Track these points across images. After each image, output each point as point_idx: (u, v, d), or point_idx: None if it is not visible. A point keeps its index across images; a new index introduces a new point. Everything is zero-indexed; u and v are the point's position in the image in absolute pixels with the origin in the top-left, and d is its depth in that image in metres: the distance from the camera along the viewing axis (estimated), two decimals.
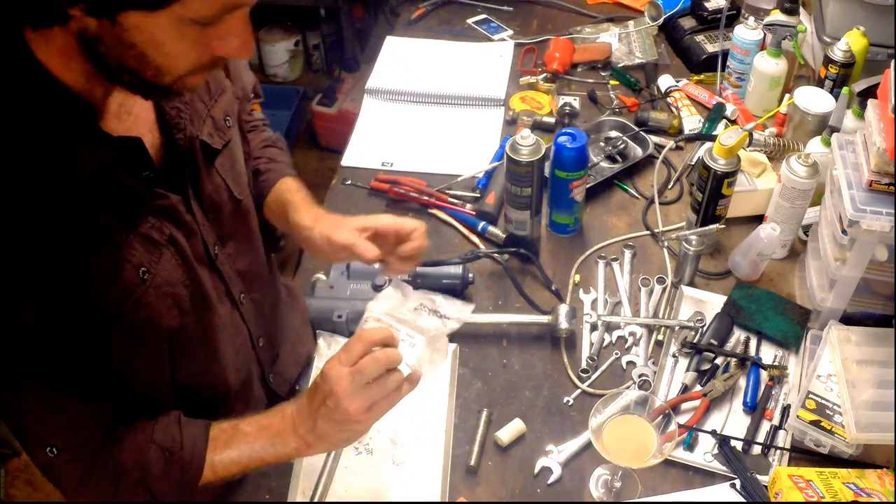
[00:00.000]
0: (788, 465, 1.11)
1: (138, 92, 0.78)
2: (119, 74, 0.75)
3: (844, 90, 1.38)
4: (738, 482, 1.09)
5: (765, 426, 1.16)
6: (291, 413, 0.93)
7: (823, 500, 1.02)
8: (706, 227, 1.34)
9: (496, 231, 1.45)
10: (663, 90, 1.75)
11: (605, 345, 1.29)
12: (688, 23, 1.87)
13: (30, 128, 0.75)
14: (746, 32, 1.63)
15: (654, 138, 1.61)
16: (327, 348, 1.27)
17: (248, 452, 0.93)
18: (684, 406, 1.18)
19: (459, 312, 1.15)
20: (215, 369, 1.02)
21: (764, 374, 1.21)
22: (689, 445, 1.14)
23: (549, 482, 1.12)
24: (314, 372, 1.24)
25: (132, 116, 0.85)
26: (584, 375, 1.24)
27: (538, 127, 1.67)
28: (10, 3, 0.71)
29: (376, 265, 1.17)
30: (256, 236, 1.11)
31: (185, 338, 0.94)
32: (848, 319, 1.23)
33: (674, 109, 1.70)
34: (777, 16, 1.58)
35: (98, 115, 0.81)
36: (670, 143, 1.61)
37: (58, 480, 0.91)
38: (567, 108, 1.69)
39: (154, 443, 0.92)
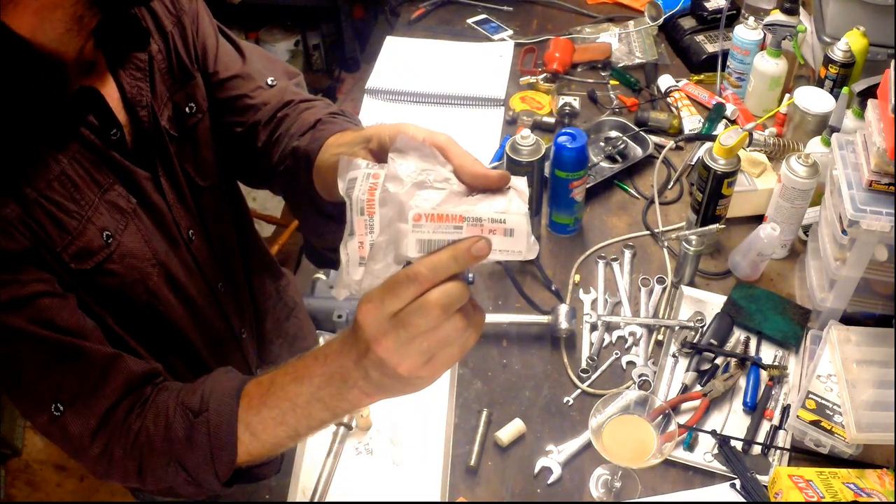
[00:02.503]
0: (788, 465, 1.11)
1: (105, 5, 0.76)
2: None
3: (844, 90, 1.38)
4: (738, 482, 1.09)
5: (765, 426, 1.16)
6: (336, 358, 0.71)
7: (823, 500, 1.02)
8: (706, 227, 1.34)
9: None
10: (663, 90, 1.75)
11: (605, 345, 1.29)
12: (688, 23, 1.87)
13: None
14: (746, 32, 1.63)
15: (654, 138, 1.61)
16: None
17: (292, 409, 0.75)
18: (684, 406, 1.18)
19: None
20: (193, 355, 1.02)
21: (764, 374, 1.21)
22: (689, 445, 1.14)
23: (549, 482, 1.12)
24: None
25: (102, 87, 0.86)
26: (584, 375, 1.24)
27: (538, 127, 1.67)
28: None
29: None
30: (230, 227, 1.10)
31: (157, 318, 0.94)
32: (848, 319, 1.22)
33: (674, 109, 1.70)
34: (777, 16, 1.58)
35: (68, 75, 0.81)
36: (670, 143, 1.61)
37: (67, 442, 0.82)
38: (567, 108, 1.69)
39: (179, 404, 0.81)
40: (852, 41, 1.46)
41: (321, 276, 1.36)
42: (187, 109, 0.99)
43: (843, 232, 1.12)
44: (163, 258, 0.94)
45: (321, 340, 1.28)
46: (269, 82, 1.07)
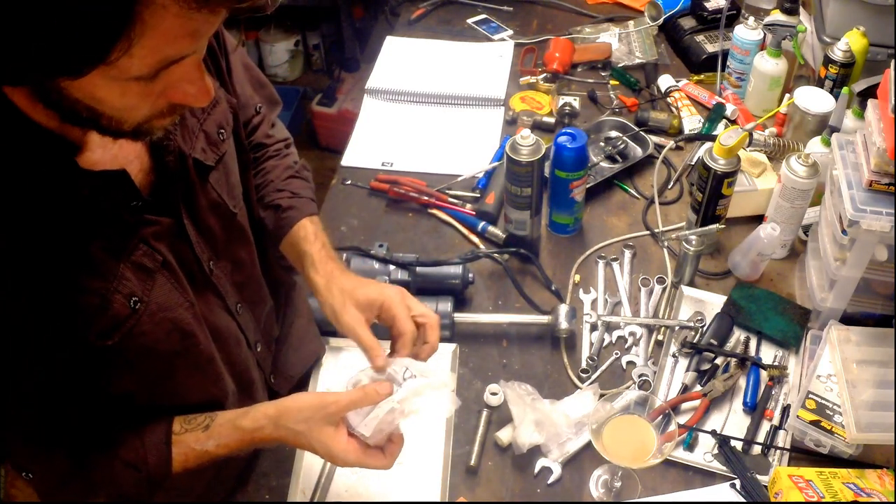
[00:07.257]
0: (788, 465, 1.11)
1: (106, 134, 0.74)
2: (79, 121, 0.71)
3: (844, 90, 1.38)
4: (738, 482, 1.09)
5: (765, 426, 1.16)
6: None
7: (823, 500, 1.02)
8: (706, 227, 1.34)
9: (496, 231, 1.45)
10: (663, 90, 1.75)
11: (605, 345, 1.29)
12: (688, 23, 1.87)
13: (8, 163, 0.72)
14: (746, 32, 1.63)
15: (654, 138, 1.61)
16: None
17: (213, 445, 0.92)
18: (684, 406, 1.18)
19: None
20: (216, 380, 1.01)
21: (764, 374, 1.21)
22: (689, 445, 1.14)
23: (549, 482, 1.12)
24: (321, 376, 1.24)
25: (117, 144, 0.81)
26: (584, 375, 1.24)
27: (538, 127, 1.67)
28: None
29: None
30: (252, 246, 1.08)
31: (186, 357, 0.93)
32: (848, 319, 1.22)
33: (674, 109, 1.70)
34: (777, 16, 1.58)
35: (77, 151, 0.77)
36: (670, 143, 1.61)
37: (37, 493, 0.97)
38: (567, 108, 1.69)
39: (118, 459, 0.90)
40: (852, 41, 1.46)
41: None
42: (219, 135, 0.96)
43: (843, 232, 1.12)
44: (191, 297, 0.91)
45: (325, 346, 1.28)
46: (258, 109, 1.12)
